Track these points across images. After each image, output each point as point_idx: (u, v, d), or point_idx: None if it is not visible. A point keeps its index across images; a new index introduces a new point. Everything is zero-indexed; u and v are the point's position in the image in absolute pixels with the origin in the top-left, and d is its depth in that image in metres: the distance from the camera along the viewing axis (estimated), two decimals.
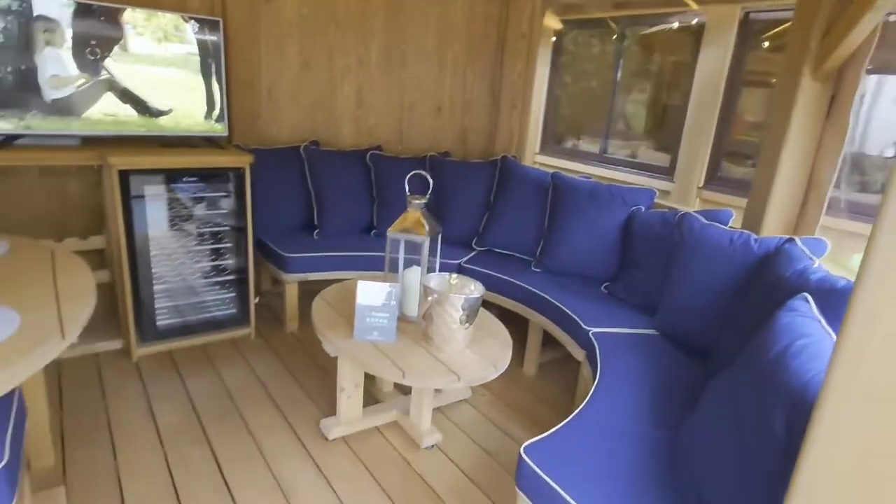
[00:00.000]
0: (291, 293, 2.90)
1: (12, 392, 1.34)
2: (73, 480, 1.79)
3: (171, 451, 1.96)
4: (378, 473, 1.94)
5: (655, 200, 2.70)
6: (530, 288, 2.60)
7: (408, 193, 2.07)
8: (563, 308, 2.39)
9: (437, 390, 2.37)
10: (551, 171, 3.05)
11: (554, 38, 4.45)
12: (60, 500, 1.68)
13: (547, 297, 2.50)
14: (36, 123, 2.33)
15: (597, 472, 1.34)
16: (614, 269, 2.65)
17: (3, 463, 1.12)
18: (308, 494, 1.81)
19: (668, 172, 3.84)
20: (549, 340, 2.61)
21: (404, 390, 2.40)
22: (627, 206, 2.63)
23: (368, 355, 1.85)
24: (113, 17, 2.41)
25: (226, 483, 1.84)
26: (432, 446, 2.09)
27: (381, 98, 3.48)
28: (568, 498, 1.25)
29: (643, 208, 2.63)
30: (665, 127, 4.02)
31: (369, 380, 2.37)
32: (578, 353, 2.22)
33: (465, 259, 2.94)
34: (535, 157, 4.65)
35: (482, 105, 3.83)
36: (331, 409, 2.27)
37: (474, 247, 3.11)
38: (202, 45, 2.64)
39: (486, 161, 3.31)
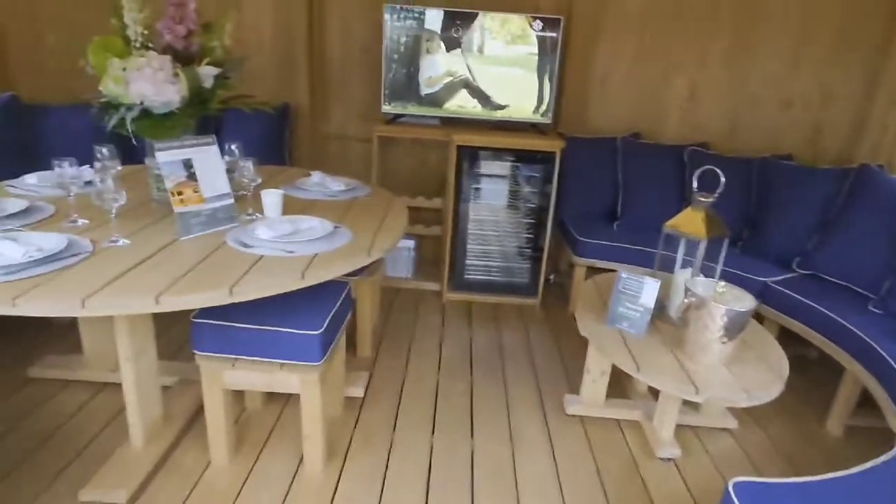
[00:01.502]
0: (580, 276, 3.03)
1: (342, 288, 1.90)
2: (375, 372, 2.39)
3: (442, 378, 2.39)
4: (601, 461, 1.95)
5: None
6: (858, 332, 2.07)
7: (694, 189, 1.93)
8: None
9: (696, 406, 2.17)
10: None
11: None
12: (363, 380, 2.27)
13: (879, 349, 1.96)
14: (412, 108, 3.06)
15: None
16: None
17: (319, 331, 1.63)
18: (530, 453, 1.97)
19: None
20: (868, 401, 2.05)
21: (657, 395, 2.28)
22: None
23: (611, 342, 1.85)
24: (471, 22, 2.93)
25: (471, 416, 2.15)
26: (669, 459, 1.96)
27: (716, 90, 3.20)
28: None
29: None
30: None
31: (626, 376, 2.33)
32: None
33: (776, 279, 2.52)
34: None
35: (848, 99, 3.09)
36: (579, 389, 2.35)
37: (795, 268, 2.61)
38: (542, 43, 2.95)
39: (837, 168, 2.69)
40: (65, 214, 1.75)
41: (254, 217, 1.86)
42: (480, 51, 2.96)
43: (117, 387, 2.04)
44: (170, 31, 1.74)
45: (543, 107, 3.04)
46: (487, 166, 2.95)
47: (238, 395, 2.09)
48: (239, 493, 1.70)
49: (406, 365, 2.47)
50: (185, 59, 1.78)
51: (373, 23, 3.13)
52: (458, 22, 2.91)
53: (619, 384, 2.32)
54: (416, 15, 2.90)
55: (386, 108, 3.04)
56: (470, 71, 2.98)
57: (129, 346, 1.66)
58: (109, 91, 1.64)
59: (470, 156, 2.91)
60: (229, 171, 1.86)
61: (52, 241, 1.48)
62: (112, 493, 1.58)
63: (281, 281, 1.42)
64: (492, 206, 3.02)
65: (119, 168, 1.96)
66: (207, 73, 1.80)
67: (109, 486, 1.60)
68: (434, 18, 2.91)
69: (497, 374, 2.46)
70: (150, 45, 1.71)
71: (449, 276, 3.11)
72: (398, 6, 2.88)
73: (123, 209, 1.84)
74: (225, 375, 1.70)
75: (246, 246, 1.59)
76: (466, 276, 3.12)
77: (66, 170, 1.68)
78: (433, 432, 2.06)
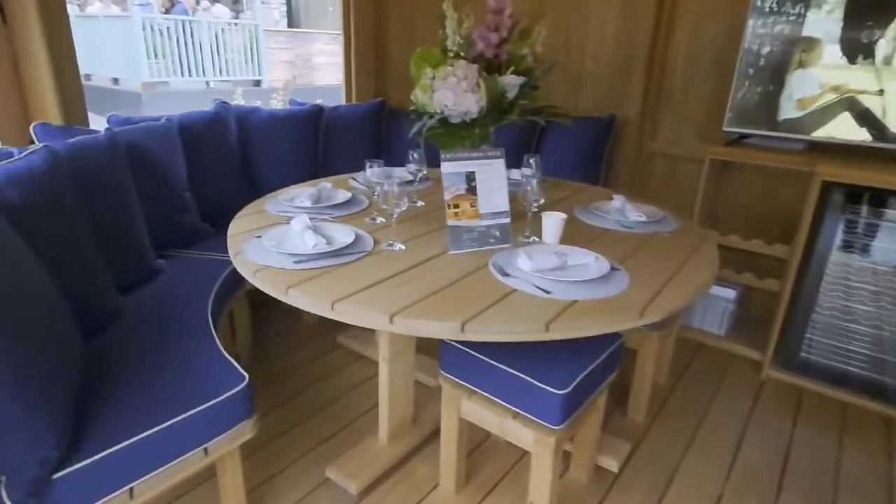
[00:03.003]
0: None
1: (611, 341, 1.57)
2: (641, 446, 1.96)
3: (730, 490, 1.80)
4: None
5: None
6: None
7: None
8: None
9: None
10: None
11: None
12: (622, 452, 1.88)
13: None
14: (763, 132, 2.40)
15: None
16: None
17: (563, 391, 1.36)
18: None
19: None
20: None
21: None
22: None
23: None
24: (889, 21, 2.07)
25: None
26: None
27: None
28: None
29: None
30: None
31: None
32: None
33: None
34: None
35: None
36: None
37: None
38: None
39: None
40: (371, 211, 1.92)
41: (529, 240, 1.69)
42: (888, 62, 2.09)
43: None
44: (483, 40, 1.69)
45: None
46: (869, 212, 2.09)
47: None
48: None
49: (685, 451, 1.96)
50: (492, 68, 1.72)
51: (730, 28, 2.56)
52: (868, 23, 2.11)
53: None
54: (793, 17, 2.23)
55: (730, 127, 2.46)
56: (873, 89, 2.14)
57: (388, 346, 1.71)
58: (418, 100, 1.69)
59: (845, 196, 2.10)
60: (516, 184, 1.74)
61: (343, 234, 1.61)
62: (347, 482, 1.67)
63: (519, 328, 1.20)
64: (865, 266, 2.14)
65: (424, 171, 2.06)
66: (512, 82, 1.69)
67: (347, 473, 1.69)
68: (819, 22, 2.18)
69: None
70: (463, 54, 1.70)
71: (777, 346, 2.37)
72: (770, 6, 2.26)
73: (423, 210, 1.92)
74: (462, 404, 1.59)
75: (504, 274, 1.42)
76: (804, 354, 2.31)
77: (375, 170, 1.83)
78: None
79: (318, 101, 2.96)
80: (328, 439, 1.93)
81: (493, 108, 1.68)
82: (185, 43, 9.57)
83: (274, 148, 2.67)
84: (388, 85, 3.48)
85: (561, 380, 1.38)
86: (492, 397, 1.49)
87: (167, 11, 10.12)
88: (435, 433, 1.94)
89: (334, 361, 2.39)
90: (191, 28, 9.60)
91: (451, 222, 1.58)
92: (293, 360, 2.40)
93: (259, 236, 1.61)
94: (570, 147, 2.89)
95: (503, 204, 1.63)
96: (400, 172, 2.25)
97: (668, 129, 2.92)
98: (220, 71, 10.19)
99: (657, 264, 1.54)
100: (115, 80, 9.65)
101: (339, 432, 1.97)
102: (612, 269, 1.45)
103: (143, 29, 8.81)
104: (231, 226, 1.76)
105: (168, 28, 9.28)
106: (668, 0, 2.71)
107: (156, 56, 9.11)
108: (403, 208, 1.57)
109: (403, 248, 1.60)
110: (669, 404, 2.20)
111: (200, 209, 2.33)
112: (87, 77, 10.15)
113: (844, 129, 2.22)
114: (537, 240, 1.70)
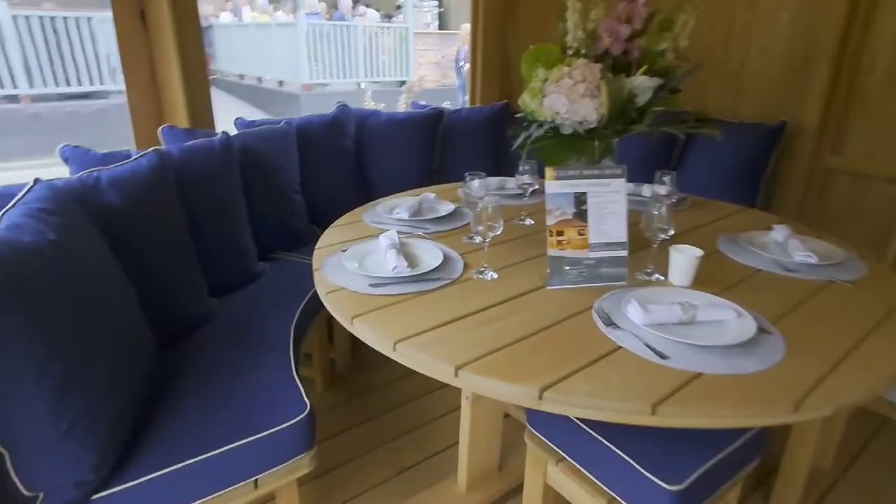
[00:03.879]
0: None
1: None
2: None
3: None
4: None
5: None
6: None
7: None
8: None
9: None
10: None
11: None
12: None
13: None
14: None
15: None
16: None
17: (676, 488, 1.05)
18: None
19: None
20: None
21: None
22: None
23: None
24: None
25: None
26: None
27: None
28: None
29: None
30: None
31: None
32: None
33: None
34: None
35: None
36: None
37: None
38: None
39: None
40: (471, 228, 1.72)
41: (651, 278, 1.38)
42: None
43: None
44: (610, 33, 1.40)
45: None
46: None
47: None
48: None
49: None
50: (620, 66, 1.42)
51: None
52: None
53: None
54: None
55: None
56: None
57: None
58: (526, 105, 1.46)
59: None
60: (642, 203, 1.43)
61: (431, 255, 1.44)
62: None
63: (615, 405, 0.92)
64: None
65: (536, 186, 1.82)
66: (644, 85, 1.38)
67: None
68: None
69: None
70: (585, 51, 1.43)
71: None
72: None
73: (530, 230, 1.70)
74: (548, 468, 1.33)
75: (609, 323, 1.14)
76: None
77: (472, 183, 1.64)
78: None
79: (446, 104, 2.84)
80: (407, 469, 1.79)
81: (617, 115, 1.39)
82: (342, 46, 10.19)
83: (388, 151, 2.60)
84: (513, 87, 3.25)
85: (675, 471, 1.07)
86: (584, 471, 1.22)
87: (330, 18, 10.88)
88: (520, 488, 1.70)
89: (426, 382, 2.25)
90: (347, 32, 10.20)
91: (551, 252, 1.33)
92: (385, 374, 2.29)
93: (344, 250, 1.50)
94: (722, 160, 2.43)
95: (620, 233, 1.34)
96: (512, 184, 2.03)
97: (857, 141, 2.33)
98: (371, 72, 10.70)
99: (829, 329, 1.14)
100: (280, 83, 10.58)
101: (420, 463, 1.81)
102: (760, 330, 1.10)
103: (307, 35, 9.53)
104: (323, 236, 1.68)
105: (328, 33, 9.95)
106: None
107: (315, 60, 9.81)
108: (498, 232, 1.35)
109: (496, 276, 1.38)
110: (833, 498, 1.71)
111: (310, 211, 2.32)
112: (259, 80, 11.30)
113: None
114: (661, 279, 1.38)
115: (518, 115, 1.50)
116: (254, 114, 6.69)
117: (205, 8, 11.62)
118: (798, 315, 1.20)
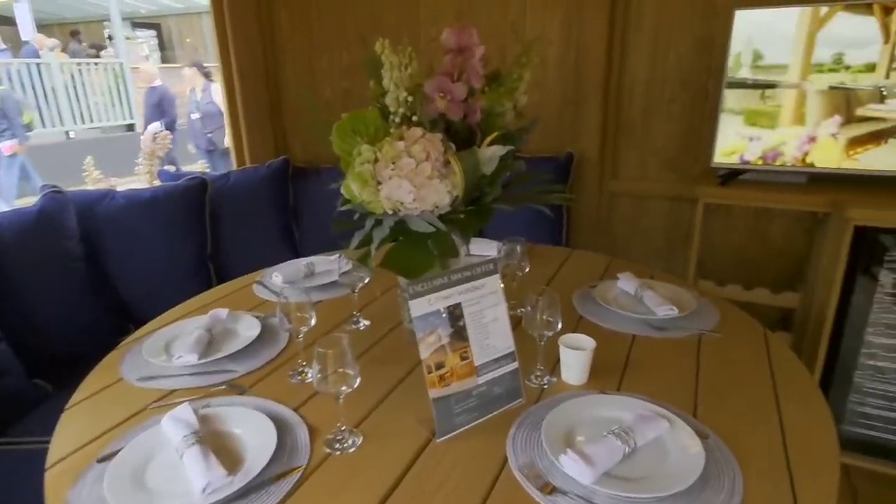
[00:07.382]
0: None
1: None
2: None
3: None
4: None
5: None
6: None
7: None
8: None
9: None
10: None
11: None
12: None
13: None
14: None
15: None
16: None
17: None
18: None
19: None
20: None
21: None
22: None
23: None
24: None
25: None
26: None
27: None
28: None
29: None
30: None
31: None
32: None
33: None
34: None
35: None
36: None
37: None
38: None
39: None
40: (295, 352, 1.26)
41: (545, 383, 1.13)
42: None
43: None
44: (443, 93, 1.11)
45: None
46: None
47: None
48: None
49: None
50: (463, 133, 1.14)
51: (699, 42, 2.19)
52: None
53: None
54: None
55: (720, 159, 2.06)
56: None
57: None
58: (354, 196, 1.08)
59: (884, 244, 1.75)
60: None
61: (254, 435, 0.95)
62: None
63: None
64: None
65: (367, 278, 1.43)
66: (492, 154, 1.12)
67: None
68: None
69: None
70: (414, 116, 1.11)
71: None
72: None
73: (369, 333, 1.31)
74: None
75: (549, 490, 0.84)
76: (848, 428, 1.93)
77: (280, 276, 1.18)
78: None
79: (200, 170, 2.24)
80: None
81: (470, 195, 1.11)
82: (34, 89, 8.21)
83: (138, 245, 1.92)
84: (289, 138, 2.79)
85: None
86: None
87: (13, 56, 8.66)
88: None
89: None
90: (38, 71, 8.25)
91: (434, 393, 0.98)
92: None
93: (103, 459, 0.91)
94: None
95: (506, 343, 1.06)
96: (324, 264, 1.60)
97: (629, 165, 2.50)
98: (81, 118, 8.86)
99: (744, 408, 1.03)
100: None
101: None
102: (701, 435, 0.92)
103: None
104: (58, 429, 1.04)
105: (16, 73, 7.90)
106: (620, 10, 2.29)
107: None
108: (356, 384, 0.94)
109: (359, 439, 0.97)
110: None
111: (28, 362, 1.55)
112: None
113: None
114: (554, 381, 1.14)
115: (342, 209, 1.11)
116: None
117: None
118: (706, 395, 1.07)
